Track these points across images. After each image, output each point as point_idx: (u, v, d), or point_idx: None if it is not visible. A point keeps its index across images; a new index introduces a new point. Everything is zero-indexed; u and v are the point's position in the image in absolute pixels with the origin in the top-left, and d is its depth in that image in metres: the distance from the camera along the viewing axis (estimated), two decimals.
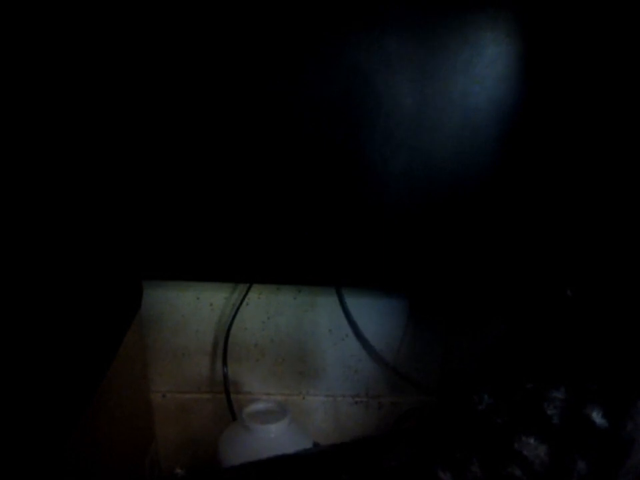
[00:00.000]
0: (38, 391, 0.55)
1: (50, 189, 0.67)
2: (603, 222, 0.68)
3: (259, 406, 0.84)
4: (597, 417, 0.41)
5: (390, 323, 0.95)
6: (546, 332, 0.51)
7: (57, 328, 0.61)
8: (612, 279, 0.51)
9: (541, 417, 0.42)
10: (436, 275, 0.81)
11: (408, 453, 0.43)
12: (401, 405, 0.98)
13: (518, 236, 0.76)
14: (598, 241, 0.64)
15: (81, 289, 0.68)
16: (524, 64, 0.70)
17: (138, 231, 0.77)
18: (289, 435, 0.81)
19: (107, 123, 0.71)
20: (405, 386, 0.96)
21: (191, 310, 0.93)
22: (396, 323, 0.95)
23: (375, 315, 0.94)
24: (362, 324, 0.95)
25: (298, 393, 0.98)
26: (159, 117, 0.71)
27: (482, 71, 0.71)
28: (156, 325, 0.93)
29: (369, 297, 0.93)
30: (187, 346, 0.95)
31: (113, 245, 0.75)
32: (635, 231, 0.59)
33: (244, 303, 0.92)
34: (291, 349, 0.96)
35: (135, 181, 0.74)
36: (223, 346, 0.93)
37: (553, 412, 0.42)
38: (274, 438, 0.79)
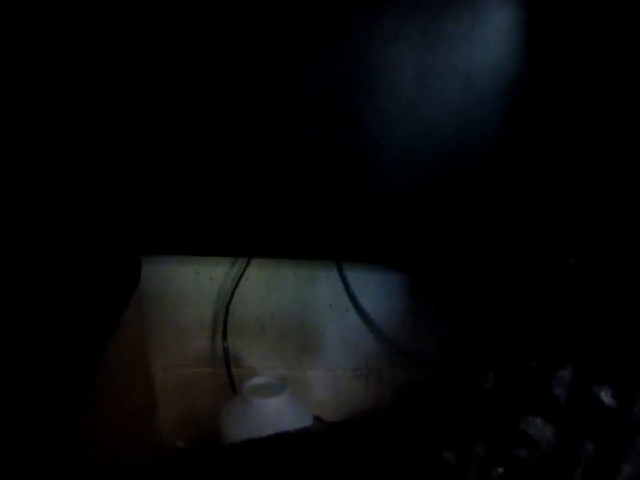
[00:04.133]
0: (39, 370, 0.55)
1: (49, 167, 0.66)
2: (605, 192, 0.67)
3: (259, 380, 0.84)
4: (605, 396, 0.40)
5: (390, 296, 0.94)
6: (551, 307, 0.51)
7: (56, 306, 0.60)
8: (615, 248, 0.50)
9: (547, 396, 0.42)
10: (438, 250, 0.80)
11: (412, 433, 0.43)
12: (401, 378, 0.98)
13: (522, 208, 0.75)
14: (601, 211, 0.63)
15: (79, 266, 0.67)
16: (528, 30, 0.69)
17: (136, 205, 0.76)
18: (289, 408, 0.81)
19: (106, 106, 0.70)
20: (405, 360, 0.96)
21: (190, 285, 0.92)
22: (396, 297, 0.94)
23: (376, 289, 0.94)
24: (362, 298, 0.94)
25: (298, 367, 0.99)
26: (157, 99, 0.70)
27: (484, 37, 0.69)
28: (155, 300, 0.92)
29: (370, 271, 0.93)
30: (187, 321, 0.94)
31: (110, 220, 0.75)
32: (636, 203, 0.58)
33: (243, 278, 0.91)
34: (291, 323, 0.96)
35: (133, 156, 0.73)
36: (223, 320, 0.93)
37: (559, 391, 0.42)
38: (274, 412, 0.80)
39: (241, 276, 0.91)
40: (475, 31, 0.69)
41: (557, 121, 0.71)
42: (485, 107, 0.72)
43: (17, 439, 0.48)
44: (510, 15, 0.68)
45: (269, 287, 0.94)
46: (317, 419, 0.92)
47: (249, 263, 0.90)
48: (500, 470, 0.39)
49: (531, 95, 0.71)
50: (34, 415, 0.51)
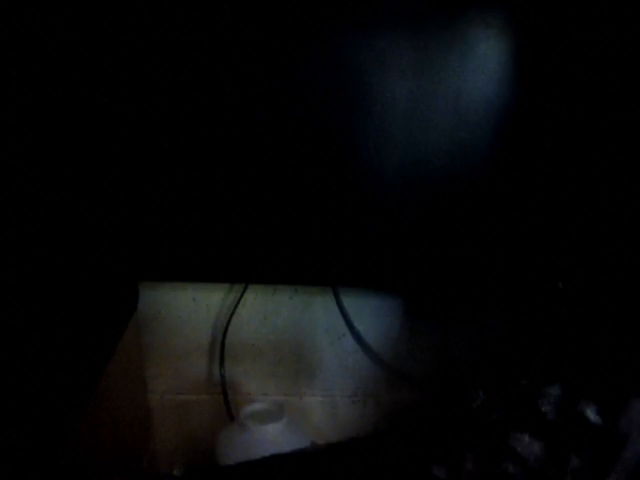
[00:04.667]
0: (35, 392, 0.55)
1: (48, 192, 0.67)
2: (593, 217, 0.68)
3: (257, 406, 0.84)
4: (591, 413, 0.41)
5: (386, 321, 0.95)
6: (539, 328, 0.52)
7: (54, 330, 0.61)
8: (602, 272, 0.51)
9: (535, 413, 0.42)
10: (431, 274, 0.81)
11: (403, 450, 0.43)
12: (399, 402, 0.98)
13: (511, 232, 0.77)
14: (588, 235, 0.64)
15: (78, 291, 0.68)
16: (516, 60, 0.71)
17: (134, 232, 0.76)
18: (286, 434, 0.81)
19: (104, 126, 0.71)
20: (402, 384, 0.96)
21: (187, 311, 0.93)
22: (392, 322, 0.95)
23: (372, 314, 0.94)
24: (358, 323, 0.95)
25: (295, 392, 0.98)
26: (154, 119, 0.71)
27: (474, 67, 0.71)
28: (153, 326, 0.92)
29: (365, 297, 0.93)
30: (184, 347, 0.95)
31: (109, 246, 0.75)
32: (624, 227, 0.59)
33: (240, 304, 0.92)
34: (287, 348, 0.96)
35: (132, 183, 0.74)
36: (220, 346, 0.93)
37: (547, 408, 0.42)
38: (272, 438, 0.79)
39: (238, 302, 0.92)
40: (466, 60, 0.71)
41: (545, 149, 0.73)
42: (479, 129, 0.74)
43: (10, 459, 0.48)
44: (500, 45, 0.70)
45: (265, 313, 0.94)
46: (314, 445, 0.91)
47: (245, 288, 0.91)
48: None
49: (519, 120, 0.73)
50: (26, 436, 0.52)
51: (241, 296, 0.91)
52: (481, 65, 0.71)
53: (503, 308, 0.73)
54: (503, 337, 0.53)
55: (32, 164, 0.64)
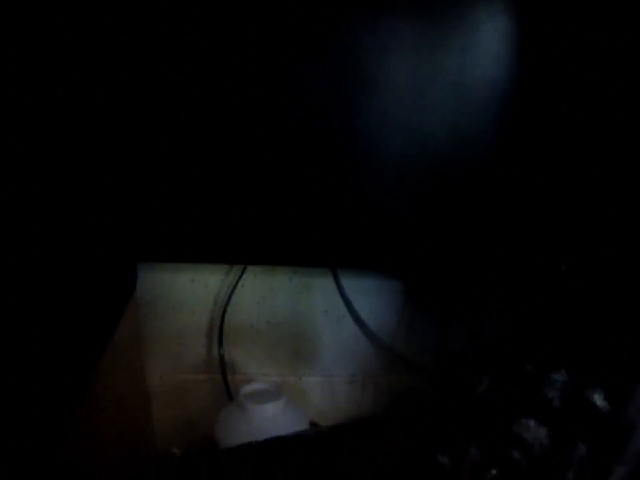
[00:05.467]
0: (34, 375, 0.55)
1: (45, 172, 0.66)
2: (596, 198, 0.67)
3: (256, 386, 0.84)
4: (598, 399, 0.40)
5: (386, 303, 0.94)
6: (544, 311, 0.51)
7: (51, 312, 0.60)
8: (605, 255, 0.51)
9: (541, 399, 0.42)
10: (432, 256, 0.80)
11: (407, 436, 0.43)
12: (397, 385, 0.98)
13: (514, 215, 0.76)
14: (591, 217, 0.63)
15: (76, 273, 0.67)
16: (520, 41, 0.69)
17: (133, 213, 0.76)
18: (285, 414, 0.81)
19: (102, 107, 0.70)
20: (400, 366, 0.97)
21: (186, 292, 0.92)
22: (392, 304, 0.95)
23: (371, 296, 0.94)
24: (358, 305, 0.94)
25: (294, 373, 0.99)
26: (153, 101, 0.70)
27: (478, 48, 0.70)
28: (151, 307, 0.92)
29: (365, 278, 0.93)
30: (183, 328, 0.94)
31: (107, 228, 0.75)
32: (625, 209, 0.59)
33: (239, 285, 0.91)
34: (286, 330, 0.96)
35: (130, 163, 0.73)
36: (218, 328, 0.93)
37: (553, 394, 0.42)
38: (270, 418, 0.80)
39: (237, 283, 0.91)
40: (469, 41, 0.70)
41: (549, 132, 0.72)
42: (479, 114, 0.73)
43: (11, 445, 0.48)
44: (504, 26, 0.69)
45: (264, 294, 0.94)
46: (313, 424, 0.92)
47: (244, 270, 0.90)
48: (493, 472, 0.39)
49: (523, 102, 0.72)
50: (27, 421, 0.51)
51: (240, 277, 0.91)
52: (484, 45, 0.70)
53: (506, 292, 0.72)
54: (505, 323, 0.53)
55: (29, 142, 0.63)
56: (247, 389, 0.83)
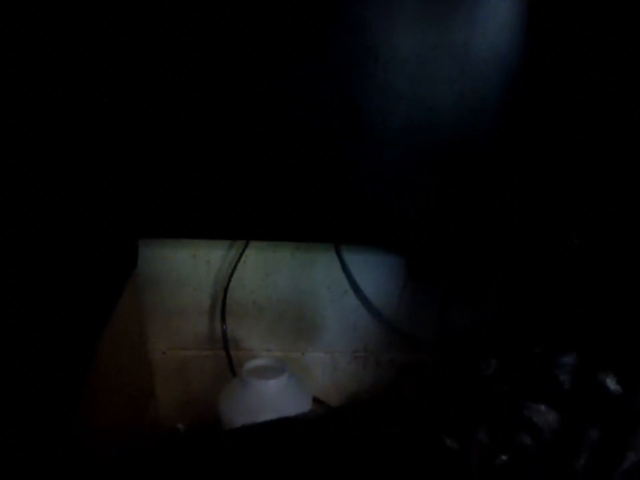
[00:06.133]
0: (34, 354, 0.54)
1: (45, 150, 0.65)
2: (607, 174, 0.66)
3: (258, 362, 0.84)
4: (611, 382, 0.40)
5: (389, 279, 0.94)
6: (554, 290, 0.50)
7: (51, 289, 0.60)
8: (619, 231, 0.50)
9: (551, 382, 0.41)
10: (435, 234, 0.80)
11: (411, 418, 0.42)
12: (399, 360, 0.98)
13: (522, 188, 0.75)
14: (605, 192, 0.62)
15: (76, 249, 0.66)
16: (528, 11, 0.67)
17: (133, 189, 0.75)
18: (288, 390, 0.81)
19: (102, 92, 0.69)
20: (403, 342, 0.96)
21: (187, 268, 0.92)
22: (395, 280, 0.94)
23: (374, 272, 0.93)
24: (361, 281, 0.94)
25: (297, 349, 0.98)
26: (153, 86, 0.69)
27: (484, 18, 0.67)
28: (153, 283, 0.91)
29: (368, 254, 0.92)
30: (185, 304, 0.94)
31: (107, 204, 0.74)
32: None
33: (241, 261, 0.91)
34: (289, 306, 0.95)
35: (131, 138, 0.72)
36: (221, 304, 0.92)
37: (564, 378, 0.41)
38: (273, 393, 0.80)
39: (239, 259, 0.90)
40: (476, 10, 0.68)
41: (556, 107, 0.71)
42: (483, 93, 0.72)
43: (14, 420, 0.48)
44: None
45: (266, 270, 0.93)
46: (316, 400, 0.92)
47: (246, 245, 0.90)
48: (503, 457, 0.39)
49: (533, 80, 0.70)
50: (29, 398, 0.51)
51: (242, 253, 0.90)
52: (491, 15, 0.68)
53: (512, 269, 0.72)
54: (510, 302, 0.52)
55: (29, 121, 0.62)
56: (250, 364, 0.83)
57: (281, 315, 0.96)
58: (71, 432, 0.59)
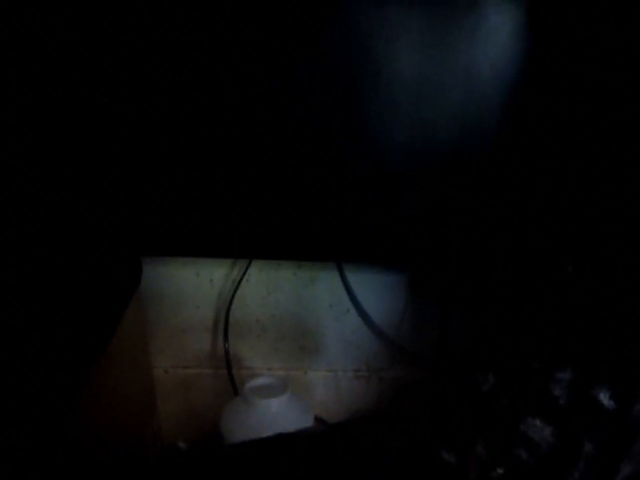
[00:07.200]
0: (37, 368, 0.55)
1: (49, 165, 0.66)
2: (605, 198, 0.67)
3: (261, 381, 0.84)
4: (604, 398, 0.40)
5: (391, 297, 0.94)
6: (550, 309, 0.51)
7: (56, 306, 0.60)
8: (611, 256, 0.50)
9: (547, 397, 0.42)
10: (436, 250, 0.80)
11: (410, 432, 0.43)
12: (402, 379, 0.98)
13: (519, 212, 0.75)
14: (597, 216, 0.63)
15: (80, 267, 0.67)
16: (530, 32, 0.69)
17: (137, 207, 0.76)
18: (290, 409, 0.81)
19: (105, 102, 0.69)
20: (405, 360, 0.96)
21: (191, 286, 0.92)
22: (397, 298, 0.94)
23: (376, 290, 0.94)
24: (363, 299, 0.94)
25: (299, 367, 0.98)
26: (155, 101, 0.70)
27: (487, 39, 0.69)
28: (156, 301, 0.92)
29: (370, 272, 0.93)
30: (188, 322, 0.94)
31: (111, 221, 0.74)
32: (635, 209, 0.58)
33: (244, 279, 0.91)
34: (291, 324, 0.95)
35: (134, 157, 0.73)
36: (223, 322, 0.93)
37: (559, 393, 0.42)
38: (275, 412, 0.80)
39: (242, 277, 0.91)
40: (479, 31, 0.69)
41: (556, 126, 0.71)
42: (485, 109, 0.72)
43: (14, 420, 0.48)
44: (514, 16, 0.68)
45: (269, 288, 0.94)
46: (318, 419, 0.92)
47: (249, 264, 0.90)
48: (500, 471, 0.39)
49: (531, 97, 0.71)
50: (29, 414, 0.51)
51: (245, 271, 0.91)
52: (493, 36, 0.69)
53: (510, 288, 0.72)
54: (508, 318, 0.53)
55: (32, 135, 0.63)
56: (252, 383, 0.83)
57: (283, 333, 0.96)
58: (69, 448, 0.59)
